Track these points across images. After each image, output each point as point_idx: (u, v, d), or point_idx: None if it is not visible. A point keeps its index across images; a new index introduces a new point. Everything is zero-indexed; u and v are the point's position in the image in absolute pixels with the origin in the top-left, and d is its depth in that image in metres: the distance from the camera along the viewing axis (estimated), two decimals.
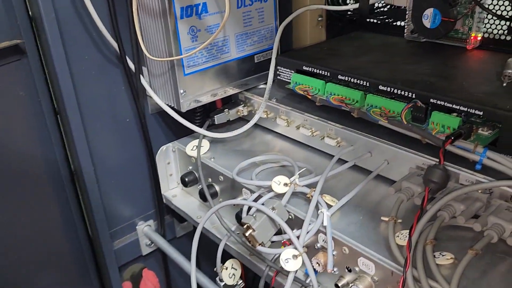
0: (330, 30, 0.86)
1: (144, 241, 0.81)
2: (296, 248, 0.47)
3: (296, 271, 0.48)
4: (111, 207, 0.76)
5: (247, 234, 0.48)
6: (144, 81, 0.69)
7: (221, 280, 0.64)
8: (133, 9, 0.60)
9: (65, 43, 0.62)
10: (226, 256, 0.64)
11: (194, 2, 0.62)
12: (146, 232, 0.80)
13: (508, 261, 0.43)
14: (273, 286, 0.54)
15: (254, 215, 0.49)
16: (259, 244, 0.49)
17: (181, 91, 0.65)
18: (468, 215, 0.44)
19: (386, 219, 0.48)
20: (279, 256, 0.48)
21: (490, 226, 0.42)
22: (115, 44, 0.66)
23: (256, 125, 0.72)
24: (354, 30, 0.82)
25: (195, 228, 0.86)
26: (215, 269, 0.63)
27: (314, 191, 0.52)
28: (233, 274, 0.66)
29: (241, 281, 0.68)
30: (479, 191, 0.46)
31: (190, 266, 0.60)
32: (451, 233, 0.47)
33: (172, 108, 0.68)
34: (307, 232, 0.48)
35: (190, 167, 0.69)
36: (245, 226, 0.48)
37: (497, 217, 0.43)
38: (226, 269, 0.65)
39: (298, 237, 0.48)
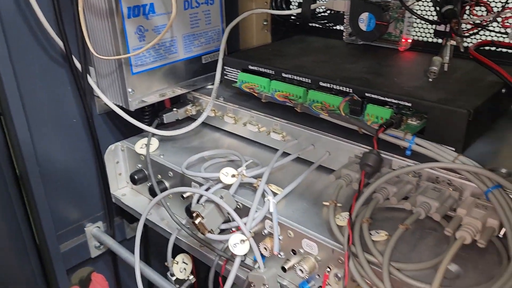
0: (275, 34, 0.90)
1: (93, 243, 0.80)
2: (243, 234, 0.49)
3: (245, 256, 0.51)
4: (58, 209, 0.75)
5: (196, 222, 0.50)
6: (91, 81, 0.69)
7: (172, 275, 0.65)
8: (79, 8, 0.60)
9: (8, 42, 0.61)
10: (177, 251, 0.65)
11: (141, 2, 0.64)
12: (95, 233, 0.79)
13: (434, 235, 0.47)
14: (223, 275, 0.56)
15: (203, 204, 0.51)
16: (208, 232, 0.50)
17: (129, 90, 0.66)
18: (399, 196, 0.49)
19: (327, 203, 0.51)
20: (228, 245, 0.50)
21: (419, 205, 0.47)
22: (60, 43, 0.66)
23: (204, 124, 0.74)
24: (297, 34, 0.87)
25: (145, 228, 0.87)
26: (166, 263, 0.64)
27: (261, 180, 0.54)
28: (184, 269, 0.67)
29: (192, 276, 0.69)
30: (409, 175, 0.50)
31: (134, 259, 0.61)
32: (386, 214, 0.51)
33: (121, 107, 0.68)
34: (254, 219, 0.51)
35: (140, 165, 0.70)
36: (194, 214, 0.50)
37: (425, 196, 0.47)
38: (177, 263, 0.66)
39: (245, 224, 0.50)
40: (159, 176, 0.66)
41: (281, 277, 0.54)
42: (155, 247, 0.90)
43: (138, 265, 0.61)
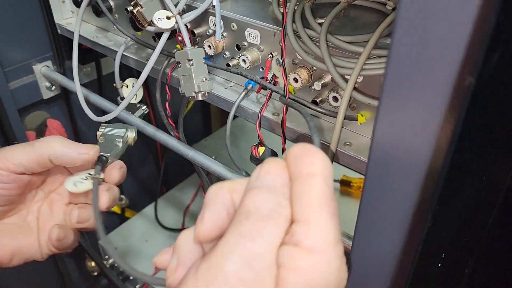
0: None
1: (44, 83, 0.78)
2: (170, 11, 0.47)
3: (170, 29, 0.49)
4: (2, 47, 0.71)
5: (134, 11, 0.47)
6: None
7: (122, 99, 0.64)
8: None
9: None
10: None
11: None
12: (45, 72, 0.76)
13: (378, 19, 0.46)
14: (169, 83, 0.55)
15: None
16: (148, 24, 0.48)
17: None
18: None
19: None
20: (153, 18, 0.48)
21: None
22: None
23: None
24: None
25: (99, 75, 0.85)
26: (114, 84, 0.63)
27: None
28: (135, 95, 0.66)
29: (145, 106, 0.68)
30: None
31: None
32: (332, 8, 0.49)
33: None
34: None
35: None
36: (132, 3, 0.47)
37: None
38: (127, 86, 0.64)
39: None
40: None
41: (228, 80, 0.54)
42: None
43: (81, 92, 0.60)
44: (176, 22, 0.46)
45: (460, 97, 0.22)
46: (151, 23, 0.48)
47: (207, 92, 0.48)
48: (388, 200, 0.30)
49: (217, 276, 0.23)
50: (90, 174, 0.47)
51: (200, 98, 0.48)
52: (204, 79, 0.48)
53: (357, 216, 0.32)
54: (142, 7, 0.47)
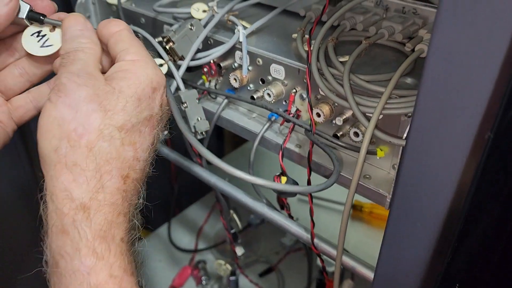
0: None
1: None
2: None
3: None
4: None
5: (167, 47, 0.50)
6: None
7: None
8: None
9: None
10: None
11: None
12: None
13: (397, 59, 0.49)
14: None
15: (174, 30, 0.51)
16: (179, 59, 0.51)
17: None
18: (366, 24, 0.50)
19: (296, 35, 0.52)
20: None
21: (383, 27, 0.48)
22: None
23: None
24: None
25: None
26: None
27: (232, 14, 0.54)
28: None
29: (167, 132, 0.71)
30: (374, 5, 0.51)
31: None
32: (354, 46, 0.52)
33: None
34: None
35: (111, 17, 0.69)
36: (165, 39, 0.50)
37: (390, 21, 0.48)
38: None
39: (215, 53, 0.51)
40: (131, 25, 0.66)
41: (251, 111, 0.56)
42: None
43: None
44: (169, 67, 0.50)
45: (479, 148, 0.25)
46: (182, 58, 0.51)
47: (204, 131, 0.52)
48: (411, 235, 0.32)
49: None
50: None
51: (198, 137, 0.52)
52: (199, 119, 0.52)
53: (379, 251, 0.34)
54: (174, 43, 0.50)
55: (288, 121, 0.49)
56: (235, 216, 0.81)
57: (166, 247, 1.04)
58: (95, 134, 0.32)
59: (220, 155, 1.24)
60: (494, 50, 0.22)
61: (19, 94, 0.42)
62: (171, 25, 0.59)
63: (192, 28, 0.52)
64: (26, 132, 0.78)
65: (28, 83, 0.42)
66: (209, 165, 0.62)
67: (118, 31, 0.37)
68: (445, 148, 0.28)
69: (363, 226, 0.96)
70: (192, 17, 0.55)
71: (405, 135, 0.41)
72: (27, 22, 0.39)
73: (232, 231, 0.77)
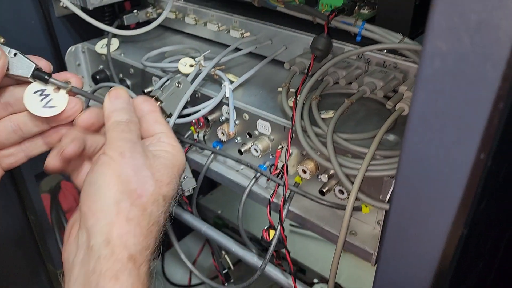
0: None
1: None
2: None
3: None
4: None
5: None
6: None
7: None
8: None
9: None
10: None
11: None
12: None
13: (379, 114, 0.50)
14: None
15: (161, 89, 0.52)
16: (168, 116, 0.52)
17: None
18: (348, 79, 0.51)
19: (281, 88, 0.53)
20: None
21: (365, 84, 0.49)
22: None
23: (166, 28, 0.74)
24: None
25: None
26: None
27: (218, 69, 0.56)
28: None
29: None
30: (358, 60, 0.53)
31: None
32: (336, 99, 0.53)
33: (79, 8, 0.67)
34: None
35: (101, 66, 0.70)
36: (153, 98, 0.51)
37: (371, 77, 0.50)
38: None
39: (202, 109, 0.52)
40: (121, 75, 0.67)
41: (239, 161, 0.57)
42: None
43: None
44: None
45: (464, 214, 0.26)
46: (170, 115, 0.52)
47: (191, 188, 0.54)
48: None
49: None
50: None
51: (186, 194, 0.55)
52: (185, 177, 0.54)
53: None
54: (162, 102, 0.51)
55: (272, 180, 0.50)
56: (226, 257, 0.82)
57: (160, 282, 1.04)
58: (150, 199, 0.36)
59: (213, 186, 1.24)
60: (474, 120, 0.23)
61: (10, 147, 0.42)
62: (159, 77, 0.61)
63: (179, 85, 0.53)
64: (18, 177, 0.78)
65: (21, 138, 0.42)
66: (199, 212, 0.63)
67: (154, 111, 0.42)
68: (429, 213, 0.29)
69: (355, 258, 0.97)
70: (179, 72, 0.57)
71: (388, 196, 0.42)
72: (31, 80, 0.38)
73: (224, 271, 0.77)
